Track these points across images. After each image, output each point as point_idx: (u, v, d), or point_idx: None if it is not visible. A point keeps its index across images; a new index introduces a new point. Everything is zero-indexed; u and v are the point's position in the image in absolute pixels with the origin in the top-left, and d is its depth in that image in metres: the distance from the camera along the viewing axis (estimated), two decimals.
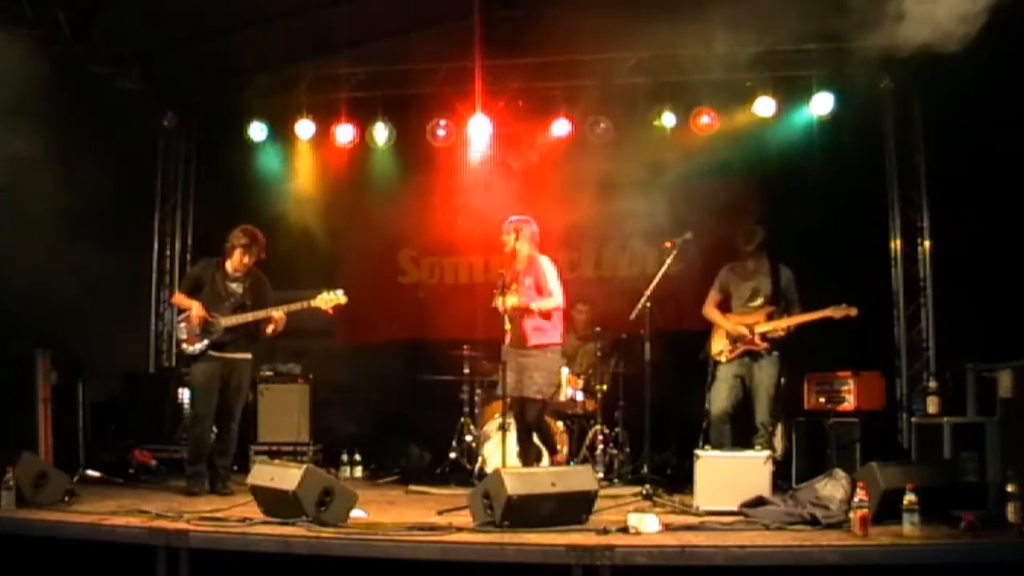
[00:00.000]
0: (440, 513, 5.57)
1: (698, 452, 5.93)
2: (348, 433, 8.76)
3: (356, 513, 5.28)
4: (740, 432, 6.91)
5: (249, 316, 6.66)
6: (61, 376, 7.48)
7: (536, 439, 6.86)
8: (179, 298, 6.88)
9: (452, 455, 7.94)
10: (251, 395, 7.82)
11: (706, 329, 7.25)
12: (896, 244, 8.59)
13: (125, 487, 6.96)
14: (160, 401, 8.61)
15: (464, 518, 5.23)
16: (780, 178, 8.60)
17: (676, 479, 6.99)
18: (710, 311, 7.18)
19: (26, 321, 7.13)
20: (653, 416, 6.64)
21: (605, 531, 4.82)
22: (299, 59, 8.57)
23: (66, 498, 5.75)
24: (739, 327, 6.96)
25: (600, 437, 7.73)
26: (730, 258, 7.24)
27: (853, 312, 6.68)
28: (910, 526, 4.73)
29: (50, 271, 6.97)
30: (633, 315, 6.73)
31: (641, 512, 5.09)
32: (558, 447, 7.22)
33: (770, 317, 6.94)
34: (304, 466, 5.17)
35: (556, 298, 6.66)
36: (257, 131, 9.18)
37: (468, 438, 7.97)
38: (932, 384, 6.85)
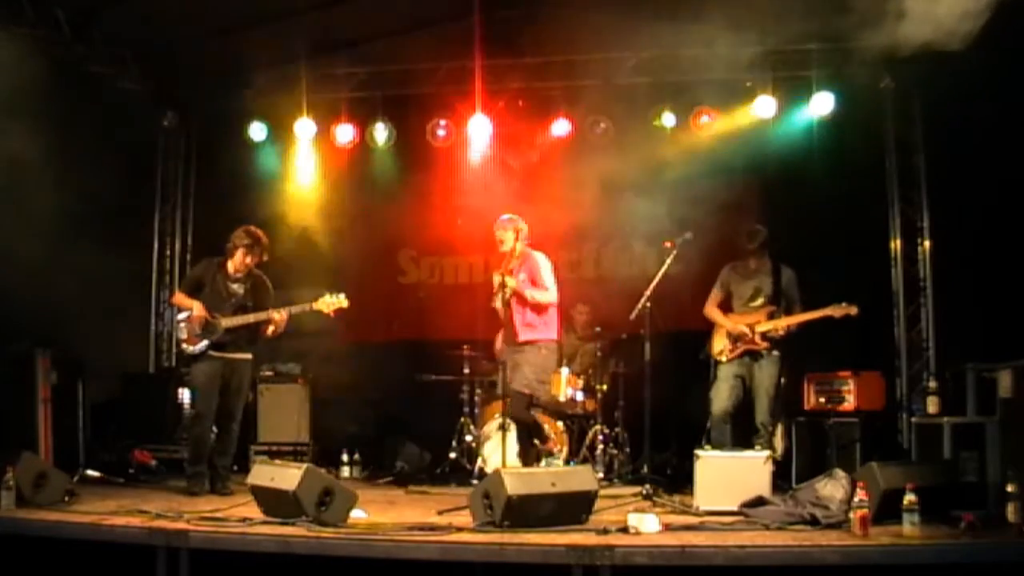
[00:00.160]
0: (440, 513, 5.57)
1: (698, 452, 5.93)
2: (348, 433, 8.75)
3: (356, 513, 5.28)
4: (740, 432, 6.91)
5: (250, 317, 6.66)
6: (61, 376, 7.47)
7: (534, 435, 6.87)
8: (179, 298, 6.87)
9: (452, 455, 7.95)
10: (251, 395, 7.82)
11: (706, 329, 7.26)
12: (896, 244, 8.59)
13: (125, 487, 6.96)
14: (160, 401, 8.61)
15: (464, 518, 5.23)
16: (780, 178, 8.59)
17: (676, 479, 6.98)
18: (711, 310, 7.18)
19: (26, 321, 7.14)
20: (653, 416, 6.64)
21: (605, 531, 4.82)
22: (299, 59, 8.57)
23: (66, 498, 5.75)
24: (739, 326, 6.96)
25: (600, 437, 7.73)
26: (730, 258, 7.25)
27: (853, 311, 6.69)
28: (910, 526, 4.73)
29: (50, 271, 6.98)
30: (633, 315, 6.73)
31: (641, 512, 5.09)
32: (547, 436, 7.16)
33: (771, 317, 6.94)
34: (304, 466, 5.16)
35: (550, 293, 6.66)
36: (257, 131, 9.18)
37: (468, 438, 7.97)
38: (932, 384, 6.84)
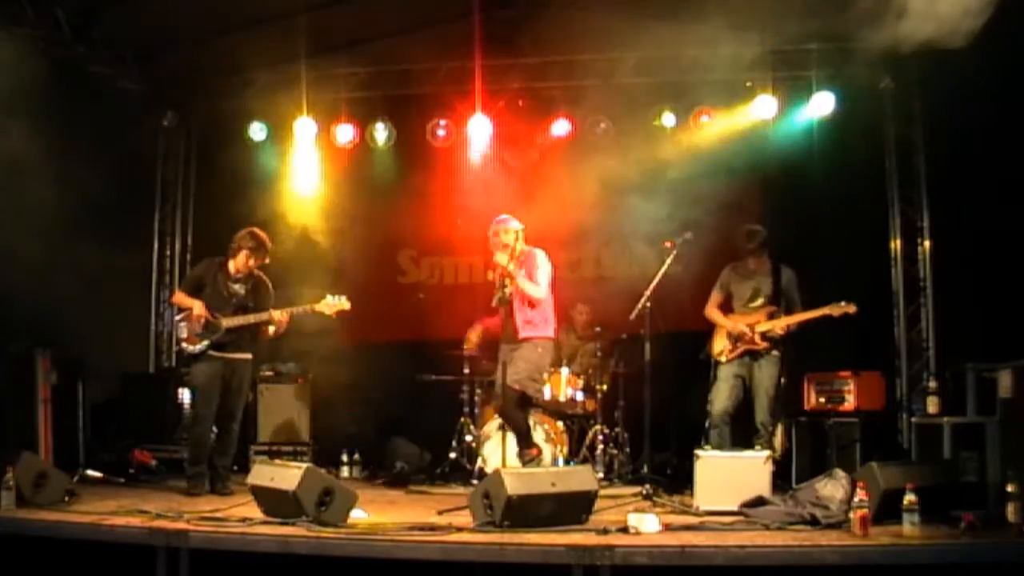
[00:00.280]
0: (440, 513, 5.57)
1: (698, 452, 5.93)
2: (348, 433, 8.74)
3: (356, 513, 5.28)
4: (740, 432, 6.91)
5: (251, 318, 6.66)
6: (61, 376, 7.47)
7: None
8: (180, 297, 6.87)
9: (452, 455, 7.94)
10: (251, 395, 7.82)
11: (706, 329, 7.25)
12: (896, 244, 8.59)
13: (125, 487, 6.96)
14: (160, 401, 8.61)
15: (464, 518, 5.23)
16: (780, 178, 8.60)
17: (676, 479, 6.97)
18: (711, 311, 7.18)
19: (26, 321, 7.14)
20: (653, 416, 6.64)
21: (605, 531, 4.82)
22: (299, 59, 8.57)
23: (66, 498, 5.75)
24: (739, 325, 6.96)
25: (600, 437, 7.72)
26: (731, 258, 7.24)
27: (852, 309, 6.67)
28: (910, 526, 4.73)
29: (50, 271, 6.97)
30: (633, 315, 6.73)
31: (641, 512, 5.09)
32: (533, 443, 6.91)
33: (771, 317, 6.94)
34: (304, 466, 5.16)
35: (541, 289, 6.63)
36: (257, 131, 9.17)
37: (468, 438, 7.97)
38: (932, 384, 6.84)
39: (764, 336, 6.89)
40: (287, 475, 5.14)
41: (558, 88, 8.89)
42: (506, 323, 6.70)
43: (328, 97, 9.00)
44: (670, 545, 4.56)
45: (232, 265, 6.74)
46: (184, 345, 6.77)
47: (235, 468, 6.94)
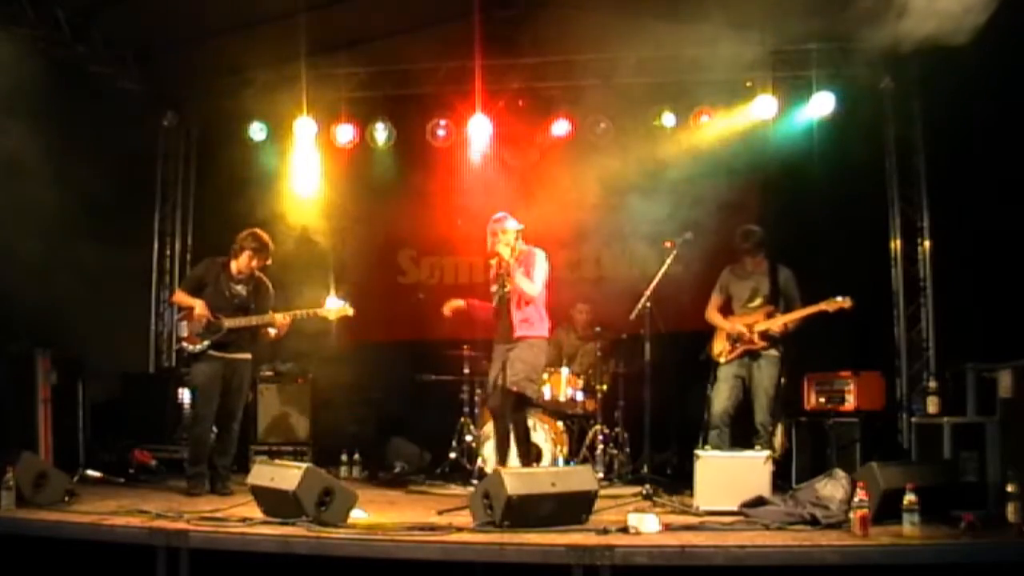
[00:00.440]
0: (440, 513, 5.57)
1: (698, 452, 5.93)
2: (348, 433, 8.74)
3: (356, 513, 5.28)
4: (740, 432, 6.91)
5: (253, 320, 6.67)
6: (61, 376, 7.47)
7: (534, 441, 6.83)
8: (180, 296, 6.87)
9: (452, 455, 7.95)
10: (251, 395, 7.82)
11: (706, 330, 7.25)
12: (896, 244, 8.59)
13: (125, 487, 6.96)
14: (160, 401, 8.61)
15: (464, 518, 5.23)
16: (780, 178, 8.60)
17: (676, 479, 6.98)
18: (711, 314, 7.18)
19: (26, 321, 7.14)
20: (653, 416, 6.64)
21: (605, 531, 4.82)
22: (299, 59, 8.57)
23: (66, 498, 5.75)
24: (737, 325, 6.96)
25: (600, 437, 7.72)
26: (730, 258, 7.24)
27: (847, 304, 6.64)
28: (910, 526, 4.73)
29: (50, 271, 6.97)
30: (633, 315, 6.73)
31: (641, 512, 5.09)
32: (531, 456, 6.82)
33: (769, 316, 6.94)
34: (304, 466, 5.17)
35: (536, 287, 6.61)
36: (257, 131, 9.17)
37: (468, 438, 7.97)
38: (932, 384, 6.83)
39: (762, 335, 6.89)
40: (287, 475, 5.14)
41: (558, 88, 8.89)
42: (502, 322, 6.68)
43: (328, 97, 8.99)
44: (670, 545, 4.56)
45: (234, 265, 6.74)
46: (184, 344, 6.76)
47: (235, 468, 6.93)
